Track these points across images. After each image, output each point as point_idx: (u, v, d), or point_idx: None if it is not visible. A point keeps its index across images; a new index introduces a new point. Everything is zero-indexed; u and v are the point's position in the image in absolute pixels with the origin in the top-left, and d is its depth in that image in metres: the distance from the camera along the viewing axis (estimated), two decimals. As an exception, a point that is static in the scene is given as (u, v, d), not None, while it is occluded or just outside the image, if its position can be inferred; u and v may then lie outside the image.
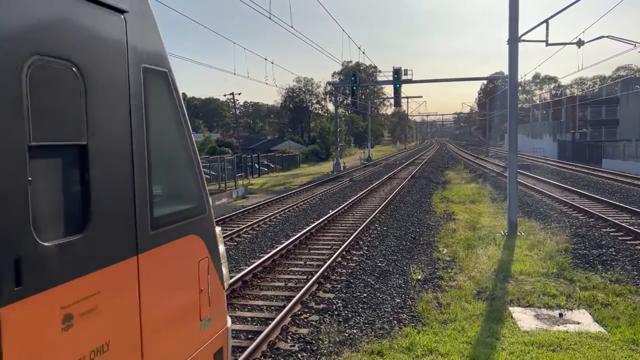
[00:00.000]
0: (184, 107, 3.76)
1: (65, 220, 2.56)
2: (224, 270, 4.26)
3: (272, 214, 18.43)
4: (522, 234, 14.55)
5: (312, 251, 12.84)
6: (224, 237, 12.99)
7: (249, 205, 21.09)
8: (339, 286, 9.82)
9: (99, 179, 2.70)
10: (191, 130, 3.88)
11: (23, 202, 2.23)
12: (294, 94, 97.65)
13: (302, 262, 11.70)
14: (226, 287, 4.34)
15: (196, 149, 3.92)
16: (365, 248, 13.17)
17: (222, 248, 4.25)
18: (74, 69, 2.57)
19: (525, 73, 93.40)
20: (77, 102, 2.59)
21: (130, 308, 2.97)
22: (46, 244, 2.37)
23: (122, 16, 2.96)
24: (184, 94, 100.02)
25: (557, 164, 46.13)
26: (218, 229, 4.22)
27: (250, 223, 16.37)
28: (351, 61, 75.11)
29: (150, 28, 3.28)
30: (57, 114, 2.49)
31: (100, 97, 2.74)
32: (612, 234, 14.46)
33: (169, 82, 3.51)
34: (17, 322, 2.21)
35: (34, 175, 2.30)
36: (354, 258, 12.10)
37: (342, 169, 43.39)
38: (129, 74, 3.00)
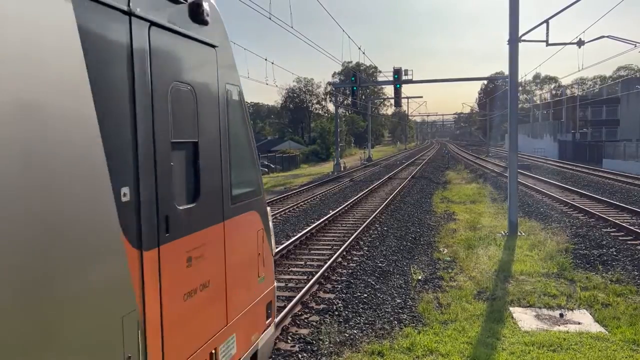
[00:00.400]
0: (248, 113, 4.99)
1: (186, 192, 3.72)
2: (272, 241, 5.53)
3: (272, 214, 18.44)
4: (523, 234, 14.54)
5: (312, 251, 12.84)
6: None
7: (250, 206, 21.07)
8: (339, 286, 9.82)
9: (204, 166, 3.89)
10: (253, 131, 5.13)
11: (170, 179, 3.42)
12: (294, 94, 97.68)
13: (302, 263, 11.70)
14: (274, 254, 5.58)
15: (255, 145, 5.19)
16: (366, 248, 13.16)
17: (271, 224, 5.48)
18: (189, 88, 3.71)
19: (525, 73, 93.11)
20: (192, 111, 3.74)
21: (220, 259, 4.15)
22: (179, 207, 3.54)
23: (214, 50, 4.17)
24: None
25: (558, 164, 46.11)
26: (268, 209, 5.45)
27: (250, 223, 16.35)
28: (351, 61, 75.08)
29: (230, 56, 4.53)
30: (183, 119, 3.62)
31: (204, 107, 3.91)
32: (613, 234, 14.45)
33: (240, 95, 4.75)
34: (167, 256, 3.36)
35: (174, 161, 3.48)
36: (355, 258, 12.09)
37: (342, 169, 43.37)
38: (218, 90, 4.21)
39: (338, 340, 7.29)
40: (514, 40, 14.50)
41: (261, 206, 5.17)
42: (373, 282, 10.09)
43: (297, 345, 7.09)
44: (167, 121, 3.38)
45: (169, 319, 3.38)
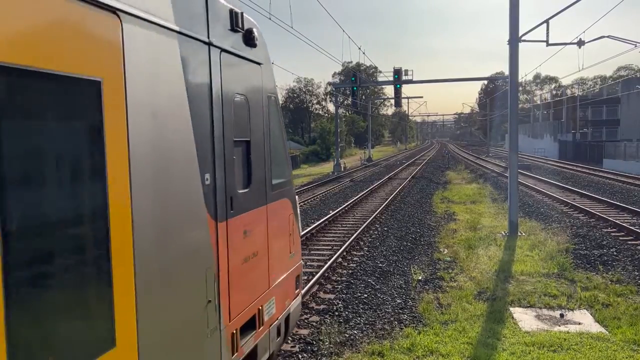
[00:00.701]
0: (282, 116, 6.16)
1: (242, 179, 4.72)
2: (299, 224, 6.68)
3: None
4: (523, 234, 14.53)
5: (312, 252, 12.83)
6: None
7: (250, 206, 21.04)
8: (339, 287, 9.81)
9: (254, 160, 4.93)
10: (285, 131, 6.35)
11: (233, 168, 4.42)
12: (295, 95, 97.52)
13: (302, 263, 11.67)
14: (300, 235, 6.74)
15: (287, 143, 6.29)
16: (366, 249, 13.16)
17: (298, 210, 6.52)
18: (244, 98, 4.77)
19: (525, 73, 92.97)
20: (246, 116, 4.80)
21: (264, 235, 5.18)
22: (239, 191, 4.56)
23: (260, 66, 5.24)
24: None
25: (558, 164, 46.10)
26: (297, 197, 6.50)
27: (250, 224, 16.32)
28: (351, 61, 74.98)
29: (270, 71, 5.58)
30: (240, 123, 4.64)
31: (253, 113, 4.97)
32: (613, 234, 14.45)
33: (277, 102, 5.85)
34: (231, 228, 4.38)
35: (235, 155, 4.48)
36: (355, 259, 12.09)
37: (342, 169, 43.33)
38: (262, 99, 5.26)
39: (338, 340, 7.28)
40: (514, 40, 14.49)
41: (291, 194, 6.29)
42: (373, 283, 10.09)
43: (297, 346, 7.09)
44: (231, 124, 4.40)
45: (233, 276, 4.39)
